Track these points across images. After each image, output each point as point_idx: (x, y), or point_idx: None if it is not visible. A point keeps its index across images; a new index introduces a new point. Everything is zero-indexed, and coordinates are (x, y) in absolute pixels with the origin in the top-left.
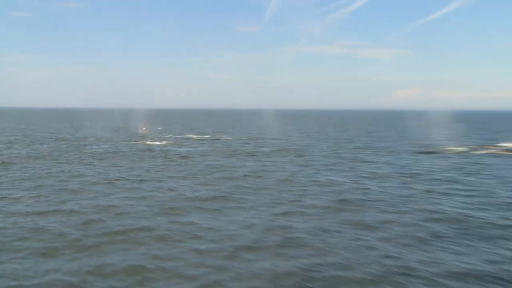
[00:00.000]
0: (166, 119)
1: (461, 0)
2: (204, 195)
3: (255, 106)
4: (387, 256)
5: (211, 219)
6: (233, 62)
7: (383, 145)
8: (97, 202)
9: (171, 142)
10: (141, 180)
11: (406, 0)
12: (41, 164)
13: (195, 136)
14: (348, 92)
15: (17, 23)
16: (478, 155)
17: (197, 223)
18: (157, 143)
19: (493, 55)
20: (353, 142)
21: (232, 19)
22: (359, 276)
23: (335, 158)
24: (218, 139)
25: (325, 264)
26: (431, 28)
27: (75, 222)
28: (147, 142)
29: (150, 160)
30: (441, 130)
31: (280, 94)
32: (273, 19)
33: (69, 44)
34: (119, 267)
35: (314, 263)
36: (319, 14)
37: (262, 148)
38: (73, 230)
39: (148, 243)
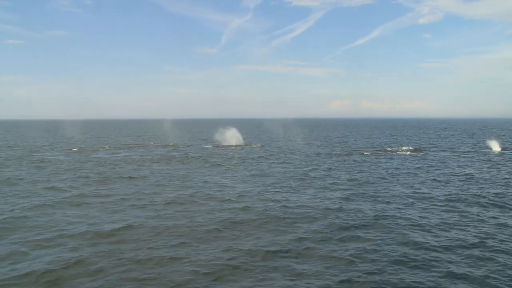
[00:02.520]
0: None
1: (380, 30)
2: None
3: (214, 116)
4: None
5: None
6: (194, 78)
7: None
8: None
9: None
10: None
11: (336, 29)
12: None
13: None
14: (293, 103)
15: (12, 49)
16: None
17: None
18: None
19: (409, 74)
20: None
21: (193, 43)
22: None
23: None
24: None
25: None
26: (357, 51)
27: None
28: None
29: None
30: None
31: (234, 105)
32: (228, 43)
33: (55, 65)
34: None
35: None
36: (265, 39)
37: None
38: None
39: None
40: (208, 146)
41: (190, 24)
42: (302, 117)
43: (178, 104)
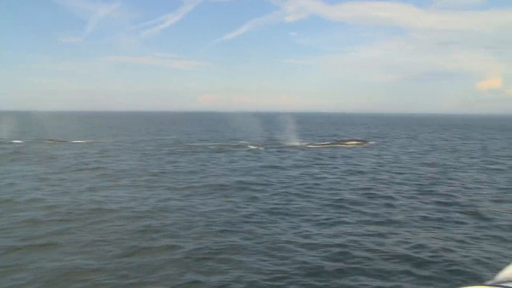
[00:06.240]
0: None
1: (248, 26)
2: None
3: (82, 108)
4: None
5: None
6: (58, 69)
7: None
8: None
9: None
10: None
11: (206, 23)
12: None
13: None
14: (164, 96)
15: None
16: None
17: None
18: None
19: (276, 69)
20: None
21: (56, 30)
22: None
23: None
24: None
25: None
26: (227, 46)
27: None
28: None
29: None
30: None
31: (103, 98)
32: (94, 32)
33: None
34: None
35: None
36: (135, 29)
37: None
38: None
39: None
40: None
41: (51, 9)
42: (172, 111)
43: (42, 95)
